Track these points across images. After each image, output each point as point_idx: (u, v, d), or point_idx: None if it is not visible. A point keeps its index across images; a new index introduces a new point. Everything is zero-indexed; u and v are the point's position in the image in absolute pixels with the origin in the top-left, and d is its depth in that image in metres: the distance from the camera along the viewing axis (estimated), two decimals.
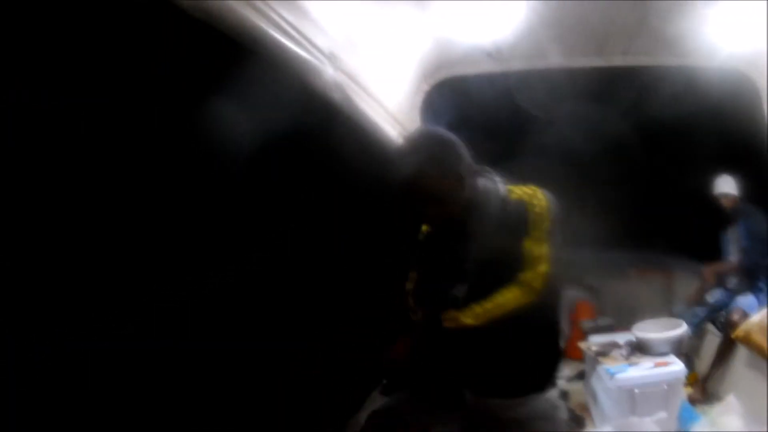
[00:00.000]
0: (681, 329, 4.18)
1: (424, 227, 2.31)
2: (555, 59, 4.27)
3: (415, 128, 2.20)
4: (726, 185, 4.82)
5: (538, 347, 2.11)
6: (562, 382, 4.79)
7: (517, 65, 4.32)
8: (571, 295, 6.18)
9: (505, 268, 2.02)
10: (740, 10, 3.56)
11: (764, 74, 4.39)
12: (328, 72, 2.43)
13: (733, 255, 4.88)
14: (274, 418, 2.30)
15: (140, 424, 1.64)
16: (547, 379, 2.15)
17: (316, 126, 2.50)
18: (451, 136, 2.08)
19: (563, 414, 2.18)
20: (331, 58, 2.45)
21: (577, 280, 6.30)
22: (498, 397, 2.14)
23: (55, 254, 1.37)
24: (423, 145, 2.03)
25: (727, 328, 4.37)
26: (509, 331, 2.00)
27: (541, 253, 2.00)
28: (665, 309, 5.21)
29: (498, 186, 2.11)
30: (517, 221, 2.03)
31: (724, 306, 4.68)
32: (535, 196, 2.06)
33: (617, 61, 4.36)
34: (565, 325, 5.80)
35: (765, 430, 3.29)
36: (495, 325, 1.99)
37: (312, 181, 2.56)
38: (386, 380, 2.45)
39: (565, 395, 4.45)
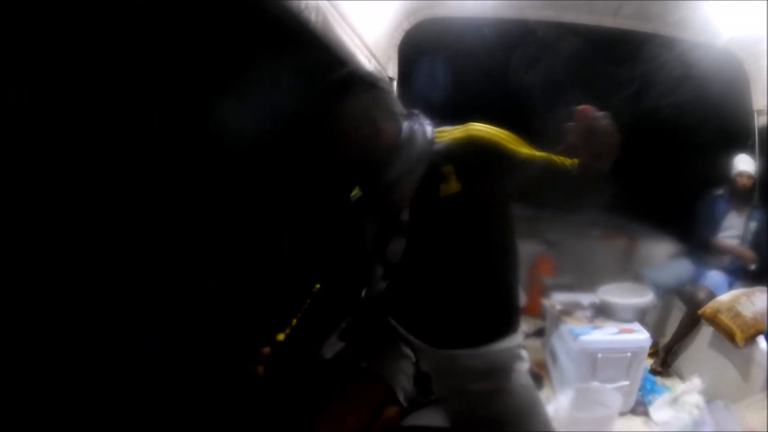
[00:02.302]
0: (648, 297, 4.13)
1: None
2: (541, 11, 4.15)
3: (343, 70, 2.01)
4: (745, 163, 4.68)
5: (493, 296, 2.06)
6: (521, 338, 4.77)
7: (502, 13, 4.19)
8: (532, 249, 6.14)
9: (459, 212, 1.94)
10: None
11: (755, 59, 4.34)
12: None
13: (730, 235, 4.76)
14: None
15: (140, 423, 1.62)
16: (506, 327, 2.07)
17: (288, 48, 2.38)
18: (376, 78, 2.01)
19: (525, 364, 2.09)
20: None
21: (538, 235, 6.27)
22: (454, 347, 2.06)
23: (54, 253, 1.33)
24: (343, 86, 1.92)
25: (692, 303, 4.35)
26: (463, 281, 2.00)
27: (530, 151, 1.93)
28: (626, 273, 5.15)
29: (425, 128, 2.01)
30: (479, 161, 1.90)
31: (692, 279, 4.62)
32: (473, 127, 1.98)
33: (606, 21, 4.26)
34: (524, 278, 5.78)
35: (725, 411, 3.28)
36: (448, 275, 2.00)
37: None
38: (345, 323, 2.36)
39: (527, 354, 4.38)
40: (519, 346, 2.10)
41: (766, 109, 4.58)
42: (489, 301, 2.04)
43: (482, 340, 2.04)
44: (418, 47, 4.24)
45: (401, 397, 2.08)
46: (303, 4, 2.25)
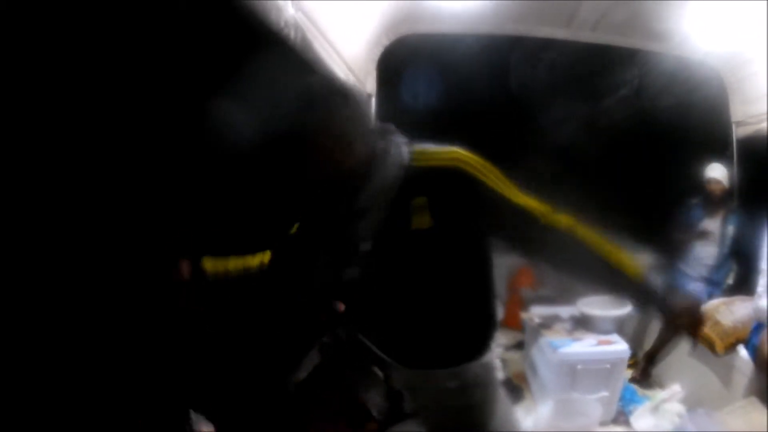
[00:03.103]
0: (626, 308, 4.16)
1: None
2: (520, 26, 4.19)
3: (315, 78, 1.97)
4: (716, 171, 4.71)
5: (469, 314, 1.96)
6: (499, 351, 4.78)
7: (482, 29, 4.22)
8: (512, 261, 6.12)
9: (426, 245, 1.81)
10: (722, 7, 3.59)
11: (734, 71, 4.42)
12: (288, 11, 2.32)
13: (703, 244, 4.77)
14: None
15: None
16: (481, 347, 2.00)
17: (267, 64, 2.32)
18: (349, 90, 1.84)
19: (499, 377, 2.07)
20: None
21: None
22: (426, 367, 1.98)
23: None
24: (312, 96, 1.77)
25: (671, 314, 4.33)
26: (437, 299, 1.88)
27: (528, 201, 1.80)
28: None
29: (400, 149, 1.85)
30: (456, 192, 1.78)
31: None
32: (457, 155, 1.80)
33: (585, 36, 4.30)
34: (502, 291, 5.79)
35: (707, 419, 3.30)
36: (422, 293, 1.86)
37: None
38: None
39: (503, 364, 4.39)
40: (491, 361, 2.08)
41: (745, 120, 4.65)
42: (461, 325, 1.97)
43: (455, 361, 1.98)
44: (397, 63, 4.27)
45: (375, 413, 2.07)
46: (282, 21, 2.27)
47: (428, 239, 1.78)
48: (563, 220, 1.78)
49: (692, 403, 3.70)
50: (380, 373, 2.10)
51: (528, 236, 1.84)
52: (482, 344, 2.01)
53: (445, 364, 1.97)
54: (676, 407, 3.65)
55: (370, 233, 1.81)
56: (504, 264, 6.08)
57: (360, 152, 1.78)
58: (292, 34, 2.39)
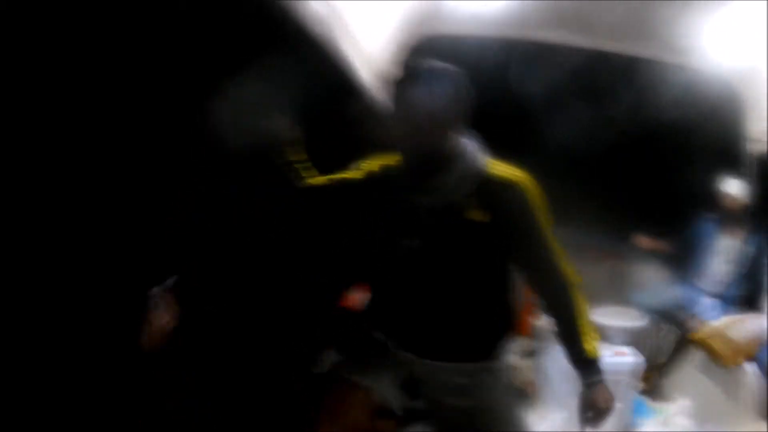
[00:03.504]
0: (642, 321, 4.15)
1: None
2: (543, 33, 4.19)
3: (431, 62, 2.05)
4: (733, 187, 4.67)
5: (486, 317, 2.15)
6: (511, 357, 4.77)
7: (504, 32, 4.22)
8: None
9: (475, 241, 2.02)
10: (741, 23, 3.66)
11: (752, 88, 4.41)
12: (316, 5, 2.33)
13: (722, 259, 4.74)
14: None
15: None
16: (493, 349, 2.18)
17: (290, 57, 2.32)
18: (465, 80, 1.99)
19: (510, 385, 2.35)
20: None
21: None
22: (442, 360, 2.13)
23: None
24: (435, 73, 1.97)
25: (683, 328, 4.41)
26: (460, 299, 2.09)
27: (557, 245, 2.07)
28: (617, 295, 5.16)
29: (477, 152, 2.05)
30: (513, 206, 1.99)
31: (685, 305, 4.63)
32: (528, 179, 2.02)
33: (606, 45, 4.31)
34: (518, 299, 5.78)
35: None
36: (447, 292, 2.07)
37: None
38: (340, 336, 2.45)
39: (515, 371, 4.37)
40: (505, 366, 2.28)
41: (760, 137, 4.62)
42: (480, 323, 2.14)
43: (467, 356, 2.14)
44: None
45: (395, 407, 2.11)
46: (309, 15, 2.27)
47: (478, 230, 1.98)
48: (571, 273, 2.10)
49: (700, 417, 3.78)
50: (398, 370, 2.20)
51: (536, 271, 2.12)
52: (497, 345, 2.19)
53: (456, 359, 2.12)
54: (684, 421, 3.75)
55: (430, 214, 2.01)
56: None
57: (452, 137, 1.97)
58: (317, 29, 2.39)
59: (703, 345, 4.02)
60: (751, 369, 3.69)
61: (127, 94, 1.49)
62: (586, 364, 2.13)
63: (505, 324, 2.24)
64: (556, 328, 2.16)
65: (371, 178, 2.21)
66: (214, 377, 2.03)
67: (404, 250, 2.06)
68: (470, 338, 2.14)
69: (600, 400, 2.13)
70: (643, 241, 5.18)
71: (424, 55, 4.15)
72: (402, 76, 1.99)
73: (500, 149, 2.09)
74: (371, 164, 2.25)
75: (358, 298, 2.52)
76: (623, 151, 5.44)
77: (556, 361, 4.00)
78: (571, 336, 2.12)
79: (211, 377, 2.01)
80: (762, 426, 3.26)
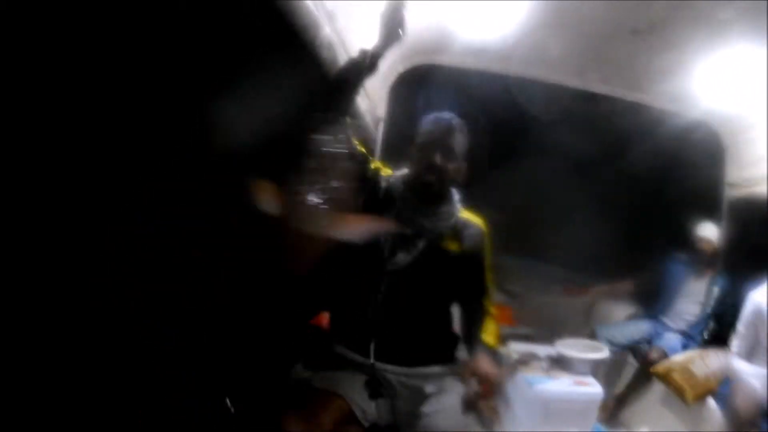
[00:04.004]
0: (603, 353, 4.24)
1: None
2: (533, 69, 4.29)
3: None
4: (708, 231, 4.83)
5: (450, 327, 2.58)
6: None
7: (495, 67, 4.32)
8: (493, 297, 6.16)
9: (451, 271, 2.42)
10: (725, 69, 3.70)
11: (733, 133, 4.57)
12: (325, 29, 2.46)
13: (690, 300, 4.87)
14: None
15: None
16: (453, 354, 2.52)
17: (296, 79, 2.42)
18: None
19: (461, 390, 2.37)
20: (331, 17, 2.49)
21: (499, 284, 6.31)
22: (417, 366, 2.40)
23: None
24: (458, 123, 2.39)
25: (645, 361, 4.49)
26: (434, 312, 2.49)
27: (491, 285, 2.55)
28: (584, 329, 5.27)
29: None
30: (476, 243, 2.47)
31: (647, 339, 4.77)
32: (484, 223, 2.52)
33: (593, 86, 4.42)
34: None
35: None
36: (425, 305, 2.43)
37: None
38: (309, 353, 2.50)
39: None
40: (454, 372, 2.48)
41: (739, 182, 4.79)
42: (446, 332, 2.56)
43: (437, 361, 2.45)
44: (409, 90, 4.36)
45: (360, 416, 2.21)
46: (318, 39, 2.37)
47: (452, 259, 2.38)
48: (491, 307, 2.53)
49: None
50: (365, 380, 2.32)
51: (467, 298, 2.53)
52: (452, 353, 2.54)
53: (425, 363, 2.41)
54: None
55: (423, 236, 2.34)
56: None
57: (461, 175, 2.40)
58: (325, 54, 2.53)
59: (665, 378, 4.08)
60: (711, 403, 3.76)
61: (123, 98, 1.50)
62: (479, 343, 2.42)
63: (455, 336, 2.58)
64: (463, 335, 2.56)
65: (379, 183, 2.43)
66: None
67: (395, 264, 2.30)
68: (439, 345, 2.50)
69: (484, 364, 2.30)
70: (572, 291, 5.39)
71: (412, 83, 4.31)
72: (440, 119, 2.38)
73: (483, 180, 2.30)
74: (381, 169, 2.48)
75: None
76: (601, 190, 5.59)
77: (518, 388, 4.05)
78: (475, 336, 2.45)
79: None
80: None
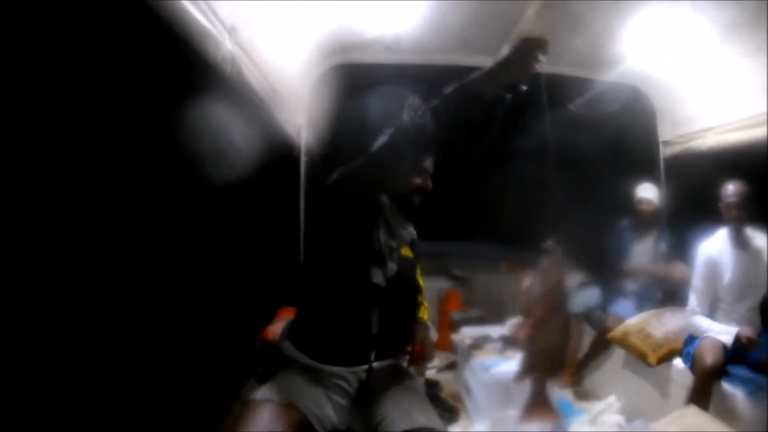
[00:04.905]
0: None
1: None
2: (451, 56, 4.29)
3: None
4: (647, 191, 4.85)
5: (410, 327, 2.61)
6: (433, 372, 4.85)
7: (413, 59, 4.30)
8: (440, 285, 6.27)
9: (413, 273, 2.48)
10: (647, 30, 3.71)
11: (661, 94, 4.63)
12: (227, 45, 2.43)
13: (634, 262, 4.88)
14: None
15: None
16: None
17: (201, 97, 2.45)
18: None
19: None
20: (231, 31, 2.46)
21: (444, 271, 6.41)
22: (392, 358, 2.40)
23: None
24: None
25: (601, 328, 4.47)
26: (406, 313, 2.49)
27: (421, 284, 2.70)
28: None
29: None
30: (418, 246, 2.55)
31: (600, 306, 4.77)
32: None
33: None
34: (434, 315, 5.86)
35: (642, 426, 3.38)
36: (403, 308, 2.42)
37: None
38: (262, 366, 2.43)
39: (436, 385, 4.46)
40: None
41: (674, 140, 4.89)
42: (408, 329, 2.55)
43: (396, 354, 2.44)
44: (330, 93, 4.31)
45: (317, 425, 2.15)
46: (219, 55, 2.34)
47: (413, 265, 2.46)
48: (424, 307, 2.82)
49: (632, 414, 3.76)
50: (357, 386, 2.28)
51: (405, 295, 2.44)
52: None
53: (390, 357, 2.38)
54: (615, 418, 3.70)
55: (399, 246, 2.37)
56: (434, 288, 6.14)
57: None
58: (228, 69, 2.48)
59: (623, 343, 4.06)
60: (677, 363, 3.72)
61: None
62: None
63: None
64: None
65: None
66: None
67: (387, 274, 2.28)
68: (406, 338, 2.53)
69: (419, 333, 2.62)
70: (514, 267, 5.42)
71: (333, 83, 4.27)
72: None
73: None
74: None
75: (274, 330, 2.62)
76: (540, 164, 5.62)
77: (475, 373, 4.04)
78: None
79: None
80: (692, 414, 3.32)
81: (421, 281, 2.70)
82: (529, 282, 2.50)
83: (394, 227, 2.32)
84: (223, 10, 2.33)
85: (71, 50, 1.58)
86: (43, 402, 1.50)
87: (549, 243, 2.56)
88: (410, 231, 2.51)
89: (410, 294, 2.50)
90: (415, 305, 2.63)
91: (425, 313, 2.83)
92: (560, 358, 2.54)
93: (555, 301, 2.42)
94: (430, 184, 2.35)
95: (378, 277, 2.25)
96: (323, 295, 2.30)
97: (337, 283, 2.27)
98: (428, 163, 2.35)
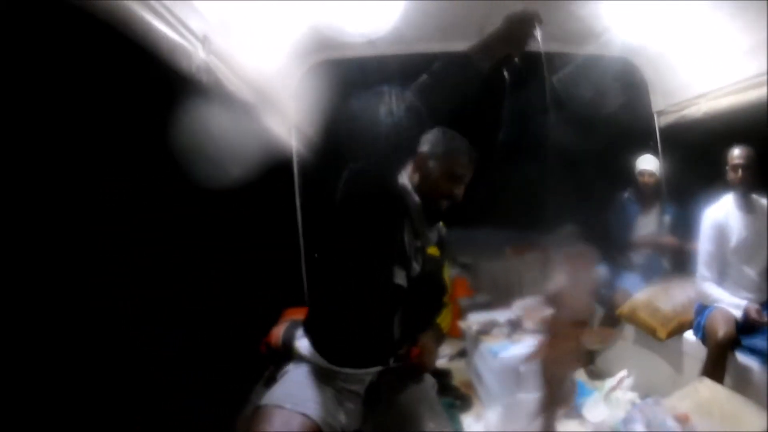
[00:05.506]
0: None
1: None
2: (432, 44, 4.25)
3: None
4: (648, 163, 4.81)
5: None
6: (444, 361, 4.84)
7: (395, 50, 4.27)
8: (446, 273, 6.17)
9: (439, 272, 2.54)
10: (636, 6, 3.68)
11: (651, 63, 4.61)
12: (200, 55, 2.42)
13: (644, 234, 4.84)
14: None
15: None
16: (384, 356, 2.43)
17: (180, 111, 2.49)
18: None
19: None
20: (204, 41, 2.45)
21: (451, 259, 6.34)
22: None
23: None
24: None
25: (609, 305, 4.44)
26: (424, 313, 2.56)
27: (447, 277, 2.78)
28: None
29: None
30: (442, 241, 2.55)
31: (608, 282, 4.70)
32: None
33: None
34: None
35: (655, 407, 3.35)
36: (421, 308, 2.47)
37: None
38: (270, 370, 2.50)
39: (447, 374, 4.44)
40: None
41: (665, 109, 4.85)
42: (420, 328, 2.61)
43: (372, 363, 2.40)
44: (315, 91, 4.29)
45: (327, 431, 2.14)
46: (193, 66, 2.32)
47: (438, 263, 2.50)
48: (448, 300, 2.80)
49: (646, 390, 3.69)
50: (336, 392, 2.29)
51: (429, 296, 2.53)
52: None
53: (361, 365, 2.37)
54: (628, 395, 3.64)
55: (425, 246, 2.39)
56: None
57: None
58: (204, 79, 2.47)
59: (632, 319, 4.04)
60: (688, 336, 3.71)
61: None
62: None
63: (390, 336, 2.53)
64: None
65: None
66: None
67: (412, 275, 2.29)
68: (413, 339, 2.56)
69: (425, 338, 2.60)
70: (519, 250, 5.41)
71: (317, 81, 4.25)
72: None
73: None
74: None
75: (278, 333, 2.62)
76: (539, 144, 5.59)
77: (485, 359, 4.03)
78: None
79: None
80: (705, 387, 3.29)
81: (447, 279, 2.73)
82: (559, 283, 2.25)
83: (419, 227, 2.31)
84: (193, 21, 2.32)
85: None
86: (48, 405, 1.52)
87: (568, 228, 2.50)
88: (438, 228, 2.50)
89: (434, 294, 2.57)
90: (438, 307, 2.68)
91: (447, 316, 2.86)
92: (574, 384, 2.53)
93: (587, 312, 2.35)
94: (461, 193, 2.31)
95: (401, 278, 2.25)
96: (343, 296, 2.28)
97: (358, 284, 2.25)
98: (463, 170, 2.33)
